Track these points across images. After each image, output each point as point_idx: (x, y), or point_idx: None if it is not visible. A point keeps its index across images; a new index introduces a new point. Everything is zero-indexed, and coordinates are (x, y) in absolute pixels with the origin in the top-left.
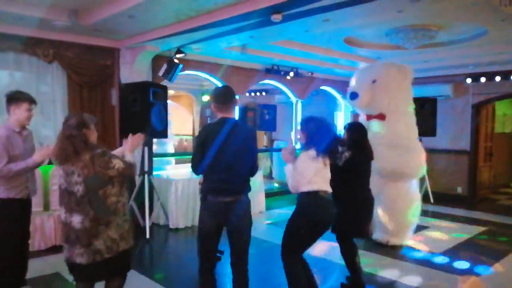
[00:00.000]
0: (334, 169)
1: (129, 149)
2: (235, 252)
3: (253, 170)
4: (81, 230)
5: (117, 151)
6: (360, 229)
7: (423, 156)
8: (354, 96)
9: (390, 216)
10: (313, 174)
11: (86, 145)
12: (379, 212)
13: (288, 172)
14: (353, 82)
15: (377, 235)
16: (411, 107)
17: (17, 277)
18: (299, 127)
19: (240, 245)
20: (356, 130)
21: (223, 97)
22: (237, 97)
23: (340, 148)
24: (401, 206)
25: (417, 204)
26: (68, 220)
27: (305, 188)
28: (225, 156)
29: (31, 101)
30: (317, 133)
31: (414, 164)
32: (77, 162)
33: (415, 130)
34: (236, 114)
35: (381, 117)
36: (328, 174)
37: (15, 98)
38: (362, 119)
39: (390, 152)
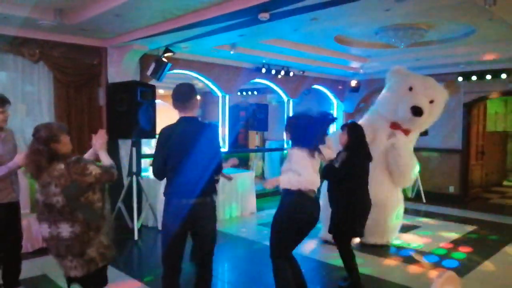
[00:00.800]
0: (330, 169)
1: (99, 147)
2: (200, 254)
3: (217, 169)
4: (71, 239)
5: (88, 154)
6: (358, 229)
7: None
8: (420, 113)
9: (377, 217)
10: (312, 172)
11: (56, 157)
12: (377, 217)
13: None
14: (408, 92)
15: (367, 239)
16: None
17: (10, 278)
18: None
19: (205, 248)
20: (354, 130)
21: (183, 96)
22: (198, 96)
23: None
24: (388, 208)
25: (401, 205)
26: (55, 233)
27: (301, 187)
28: (186, 157)
29: (3, 101)
30: (303, 131)
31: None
32: (52, 172)
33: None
34: (196, 112)
35: (407, 132)
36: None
37: None
38: (374, 120)
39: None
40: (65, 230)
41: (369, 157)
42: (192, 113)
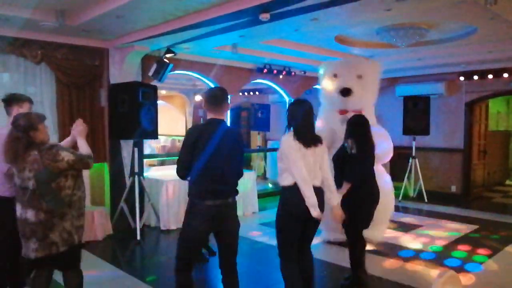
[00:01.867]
0: (343, 158)
1: (77, 134)
2: (225, 255)
3: (240, 173)
4: (36, 224)
5: (66, 141)
6: (368, 220)
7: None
8: (348, 92)
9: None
10: (299, 160)
11: (31, 145)
12: None
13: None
14: (332, 78)
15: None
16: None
17: (18, 277)
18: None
19: (230, 248)
20: (359, 124)
21: (216, 98)
22: (229, 99)
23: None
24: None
25: (390, 199)
26: (23, 216)
27: (288, 180)
28: (217, 159)
29: (31, 101)
30: (296, 116)
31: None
32: (26, 158)
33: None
34: (226, 115)
35: (358, 112)
36: (316, 165)
37: (16, 98)
38: (329, 116)
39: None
40: (31, 215)
41: (373, 148)
42: (223, 115)
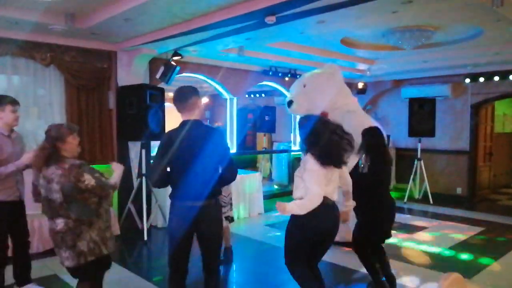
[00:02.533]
0: (357, 176)
1: (114, 168)
2: (205, 259)
3: (227, 175)
4: (65, 232)
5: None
6: (387, 232)
7: None
8: (289, 103)
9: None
10: (323, 185)
11: (58, 157)
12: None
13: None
14: (288, 94)
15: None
16: (352, 101)
17: (21, 275)
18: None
19: (209, 253)
20: (374, 135)
21: (178, 97)
22: (200, 98)
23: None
24: None
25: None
26: (52, 226)
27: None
28: (186, 159)
29: (14, 102)
30: (314, 138)
31: None
32: (56, 171)
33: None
34: (199, 114)
35: (324, 114)
36: (337, 179)
37: None
38: None
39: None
40: (60, 224)
41: (391, 162)
42: (194, 115)
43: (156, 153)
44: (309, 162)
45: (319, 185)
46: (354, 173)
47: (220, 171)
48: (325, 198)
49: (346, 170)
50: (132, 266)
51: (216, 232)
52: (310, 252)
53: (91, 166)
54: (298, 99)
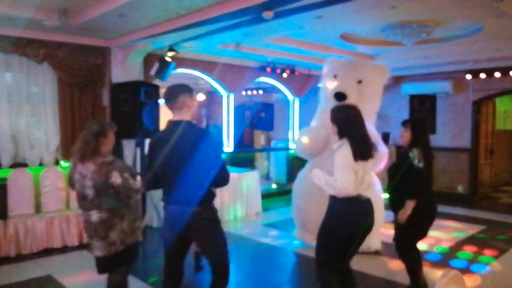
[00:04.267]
0: (407, 172)
1: None
2: (210, 261)
3: (219, 180)
4: (99, 223)
5: None
6: (426, 232)
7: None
8: (342, 97)
9: None
10: (351, 176)
11: (97, 152)
12: None
13: (321, 179)
14: (332, 79)
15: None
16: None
17: None
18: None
19: (211, 256)
20: (423, 126)
21: (167, 96)
22: (185, 95)
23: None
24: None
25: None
26: (87, 218)
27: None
28: (174, 162)
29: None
30: (353, 128)
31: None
32: (89, 167)
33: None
34: (188, 114)
35: None
36: (369, 176)
37: None
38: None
39: None
40: (94, 216)
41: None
42: (184, 115)
43: (146, 155)
44: (341, 153)
45: (348, 175)
46: (402, 170)
47: (212, 175)
48: (358, 195)
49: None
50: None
51: (212, 237)
52: (344, 250)
53: (124, 164)
54: (352, 95)
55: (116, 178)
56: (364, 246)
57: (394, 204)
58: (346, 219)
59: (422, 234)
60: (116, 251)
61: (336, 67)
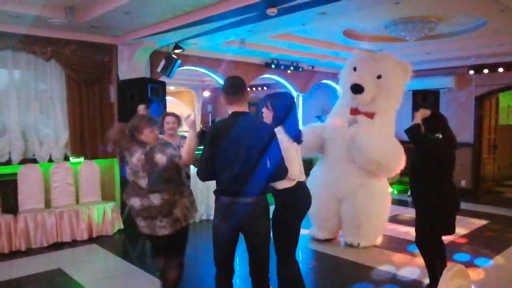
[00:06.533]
0: (419, 135)
1: (188, 126)
2: (253, 260)
3: (278, 172)
4: (162, 205)
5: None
6: (451, 225)
7: (403, 158)
8: (359, 89)
9: (364, 217)
10: (298, 164)
11: (138, 142)
12: (351, 212)
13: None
14: (351, 71)
15: (347, 237)
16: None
17: None
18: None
19: (256, 253)
20: (443, 119)
21: (234, 87)
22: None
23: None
24: (376, 207)
25: (389, 206)
26: (146, 203)
27: (290, 183)
28: (238, 154)
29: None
30: (287, 112)
31: (397, 160)
32: (136, 161)
33: (393, 131)
34: (246, 106)
35: (370, 115)
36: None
37: None
38: (341, 113)
39: (379, 141)
40: (156, 199)
41: (455, 145)
42: (244, 107)
43: (205, 145)
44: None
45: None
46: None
47: (271, 169)
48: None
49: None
50: (136, 260)
51: (264, 233)
52: (297, 233)
53: (164, 143)
54: (370, 89)
55: (160, 159)
56: (369, 241)
57: (413, 192)
58: (296, 201)
59: (447, 228)
60: (181, 227)
61: (357, 59)
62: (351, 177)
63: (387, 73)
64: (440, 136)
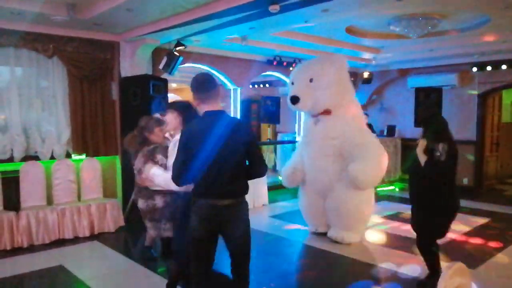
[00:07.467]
0: (431, 164)
1: None
2: (233, 261)
3: (256, 170)
4: (164, 207)
5: None
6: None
7: (384, 159)
8: (295, 100)
9: (343, 211)
10: None
11: (144, 143)
12: (332, 206)
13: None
14: (290, 84)
15: (331, 233)
16: (354, 96)
17: None
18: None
19: (237, 254)
20: (443, 120)
21: (203, 84)
22: (218, 85)
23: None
24: (354, 199)
25: (371, 198)
26: (151, 204)
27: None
28: (213, 154)
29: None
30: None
31: (369, 173)
32: (140, 159)
33: (363, 120)
34: (220, 104)
35: (327, 112)
36: None
37: None
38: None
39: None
40: (159, 201)
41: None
42: (216, 105)
43: (178, 147)
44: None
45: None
46: (426, 164)
47: (246, 166)
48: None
49: None
50: (137, 257)
51: (243, 233)
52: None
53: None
54: (305, 96)
55: (161, 160)
56: (354, 236)
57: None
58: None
59: (443, 234)
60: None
61: (293, 73)
62: (327, 173)
63: (317, 74)
64: (445, 147)
